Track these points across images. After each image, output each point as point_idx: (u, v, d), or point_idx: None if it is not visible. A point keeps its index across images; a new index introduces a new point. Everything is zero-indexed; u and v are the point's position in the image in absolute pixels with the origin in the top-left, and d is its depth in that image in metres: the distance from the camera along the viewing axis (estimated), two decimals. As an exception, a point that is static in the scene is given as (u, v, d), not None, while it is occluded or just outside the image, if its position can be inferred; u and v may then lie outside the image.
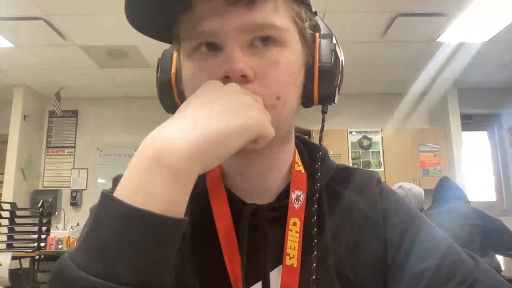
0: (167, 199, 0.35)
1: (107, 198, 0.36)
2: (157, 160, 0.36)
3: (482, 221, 2.34)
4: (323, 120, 0.53)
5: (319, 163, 0.53)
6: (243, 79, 0.44)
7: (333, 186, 0.56)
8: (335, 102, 0.52)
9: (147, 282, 0.34)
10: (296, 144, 0.57)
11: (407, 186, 2.78)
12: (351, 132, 4.93)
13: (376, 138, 4.93)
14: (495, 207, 5.09)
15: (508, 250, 2.50)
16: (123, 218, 0.34)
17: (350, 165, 4.88)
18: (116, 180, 0.51)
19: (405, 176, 4.50)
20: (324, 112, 0.52)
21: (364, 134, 4.93)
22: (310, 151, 0.59)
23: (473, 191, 4.91)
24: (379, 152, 4.89)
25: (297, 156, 0.56)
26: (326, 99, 0.51)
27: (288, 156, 0.55)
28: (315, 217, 0.50)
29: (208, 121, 0.38)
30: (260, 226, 0.51)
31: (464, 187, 4.64)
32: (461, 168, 4.77)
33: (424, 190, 2.83)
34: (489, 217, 2.44)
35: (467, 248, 0.53)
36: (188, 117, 0.39)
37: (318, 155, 0.54)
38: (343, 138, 4.89)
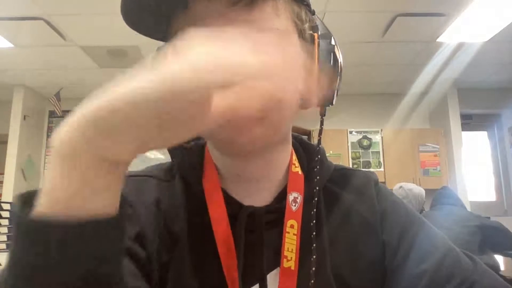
0: (64, 194, 0.28)
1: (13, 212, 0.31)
2: (55, 150, 0.29)
3: (480, 222, 2.37)
4: (322, 123, 0.52)
5: (317, 167, 0.53)
6: None
7: (330, 188, 0.56)
8: (333, 104, 0.51)
9: None
10: (293, 145, 0.57)
11: (408, 187, 2.77)
12: (351, 132, 4.92)
13: (376, 138, 4.93)
14: (495, 207, 5.09)
15: (507, 249, 2.52)
16: (24, 235, 0.29)
17: (350, 165, 4.86)
18: None
19: (405, 176, 4.50)
20: (322, 114, 0.52)
21: (364, 134, 4.93)
22: (307, 151, 0.58)
23: (473, 191, 4.91)
24: (379, 152, 4.89)
25: (294, 157, 0.55)
26: (325, 101, 0.50)
27: (286, 158, 0.54)
28: (314, 221, 0.50)
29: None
30: (257, 228, 0.50)
31: (464, 187, 4.65)
32: (461, 168, 4.76)
33: (424, 190, 2.83)
34: (487, 219, 2.49)
35: (466, 248, 0.54)
36: None
37: (316, 158, 0.53)
38: (343, 138, 4.89)
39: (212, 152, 0.54)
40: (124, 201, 0.32)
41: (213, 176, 0.53)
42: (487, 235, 2.33)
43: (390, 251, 0.52)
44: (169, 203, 0.52)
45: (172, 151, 0.56)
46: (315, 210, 0.50)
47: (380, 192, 0.57)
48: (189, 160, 0.54)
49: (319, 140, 0.53)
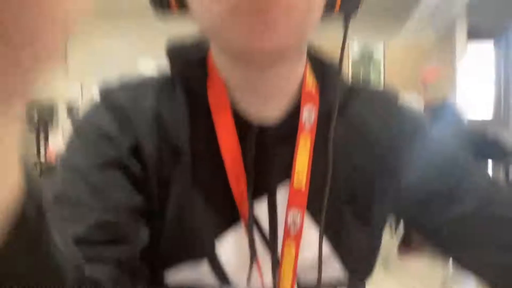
0: None
1: None
2: None
3: (476, 134, 2.43)
4: (345, 33, 0.48)
5: (336, 79, 0.49)
6: None
7: (344, 103, 0.52)
8: (358, 12, 0.46)
9: None
10: (307, 58, 0.52)
11: (407, 100, 2.77)
12: (351, 47, 4.77)
13: (379, 52, 4.80)
14: (492, 124, 5.13)
15: (499, 159, 2.63)
16: None
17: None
18: None
19: (407, 90, 4.49)
20: (346, 24, 0.47)
21: (365, 49, 4.78)
22: (320, 63, 0.53)
23: (473, 107, 4.92)
24: (380, 66, 4.81)
25: (308, 70, 0.51)
26: (350, 7, 0.45)
27: (300, 71, 0.50)
28: (331, 136, 0.47)
29: None
30: (268, 144, 0.48)
31: (464, 103, 4.67)
32: (464, 83, 4.73)
33: (425, 104, 2.85)
34: (482, 131, 2.56)
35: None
36: None
37: (336, 70, 0.50)
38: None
39: (219, 61, 0.49)
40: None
41: (219, 86, 0.48)
42: (482, 146, 2.40)
43: (402, 169, 0.51)
44: (170, 115, 0.48)
45: (171, 59, 0.51)
46: (332, 124, 0.48)
47: (398, 110, 0.56)
48: (192, 68, 0.50)
49: (342, 52, 0.49)
